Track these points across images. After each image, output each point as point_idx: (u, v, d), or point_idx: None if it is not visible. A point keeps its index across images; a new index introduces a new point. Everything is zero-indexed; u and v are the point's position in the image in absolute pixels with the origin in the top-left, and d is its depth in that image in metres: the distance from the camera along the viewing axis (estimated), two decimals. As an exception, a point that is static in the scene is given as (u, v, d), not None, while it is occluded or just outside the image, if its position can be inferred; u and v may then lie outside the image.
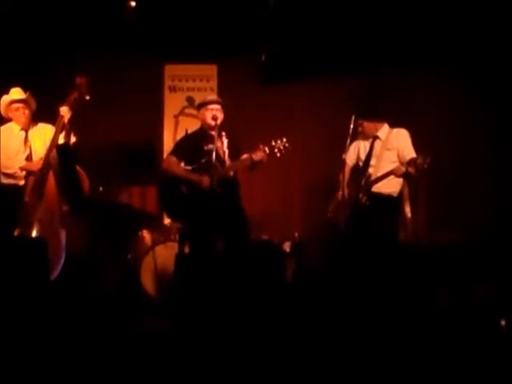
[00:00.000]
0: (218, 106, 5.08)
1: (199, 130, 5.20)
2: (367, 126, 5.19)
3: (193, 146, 5.07)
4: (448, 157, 6.29)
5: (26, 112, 5.16)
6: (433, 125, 6.34)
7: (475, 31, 6.18)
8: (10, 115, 5.18)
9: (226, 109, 5.14)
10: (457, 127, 6.36)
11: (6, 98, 5.18)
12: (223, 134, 5.10)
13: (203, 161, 4.95)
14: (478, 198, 6.27)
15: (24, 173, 5.08)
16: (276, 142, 4.90)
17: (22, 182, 5.10)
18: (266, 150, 4.88)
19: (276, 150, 4.90)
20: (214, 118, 4.99)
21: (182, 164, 5.12)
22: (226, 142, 5.08)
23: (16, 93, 5.18)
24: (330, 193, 5.47)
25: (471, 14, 6.12)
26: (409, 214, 5.32)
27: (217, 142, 4.97)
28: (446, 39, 6.32)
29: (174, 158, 5.14)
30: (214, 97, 5.38)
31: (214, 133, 4.97)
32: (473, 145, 6.35)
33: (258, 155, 4.91)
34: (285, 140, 4.92)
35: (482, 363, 3.46)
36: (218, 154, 4.94)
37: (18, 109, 5.14)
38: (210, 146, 4.89)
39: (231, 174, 5.03)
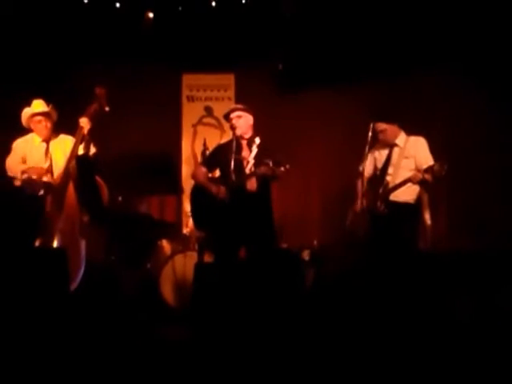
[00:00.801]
0: (236, 113, 5.02)
1: (232, 139, 5.08)
2: (390, 130, 5.15)
3: (222, 156, 5.04)
4: (468, 163, 6.26)
5: (48, 125, 5.18)
6: (453, 131, 6.31)
7: (490, 36, 6.16)
8: (32, 127, 5.21)
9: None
10: (477, 133, 6.33)
11: (29, 111, 5.19)
12: (256, 143, 4.98)
13: (225, 170, 4.96)
14: (498, 205, 6.22)
15: (25, 176, 5.10)
16: (279, 157, 4.69)
17: (17, 183, 5.11)
18: (270, 164, 4.69)
19: (278, 165, 4.68)
20: (232, 128, 5.02)
21: (216, 173, 5.20)
22: (254, 152, 4.97)
23: (38, 105, 5.20)
24: (348, 201, 5.46)
25: (486, 19, 6.11)
26: (429, 222, 5.29)
27: (244, 151, 5.00)
28: (460, 45, 6.31)
29: (202, 168, 5.24)
30: (231, 106, 5.36)
31: (243, 142, 5.01)
32: (494, 151, 6.32)
33: (261, 169, 4.78)
34: (285, 156, 4.72)
35: (503, 374, 3.43)
36: (240, 165, 4.93)
37: (40, 121, 5.16)
38: (232, 156, 4.89)
39: (250, 183, 4.99)
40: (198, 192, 5.12)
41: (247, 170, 4.95)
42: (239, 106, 5.15)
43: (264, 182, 4.95)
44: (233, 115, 5.04)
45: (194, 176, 5.29)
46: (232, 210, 4.87)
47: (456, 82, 6.41)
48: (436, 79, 6.42)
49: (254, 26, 6.67)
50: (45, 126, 5.16)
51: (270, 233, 5.00)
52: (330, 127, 6.85)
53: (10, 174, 5.17)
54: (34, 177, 5.05)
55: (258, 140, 4.99)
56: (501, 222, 6.06)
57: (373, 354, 3.77)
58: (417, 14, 6.30)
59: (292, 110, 6.88)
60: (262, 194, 4.97)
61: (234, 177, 4.87)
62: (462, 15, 6.20)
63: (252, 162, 4.95)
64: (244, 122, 5.03)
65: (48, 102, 5.24)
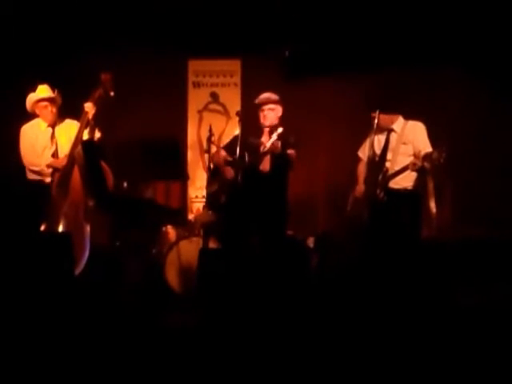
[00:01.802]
0: (269, 106, 5.14)
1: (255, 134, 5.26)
2: (383, 118, 5.13)
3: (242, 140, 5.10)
4: (474, 150, 6.24)
5: (53, 110, 5.20)
6: (458, 118, 6.28)
7: (496, 23, 6.13)
8: (37, 112, 5.22)
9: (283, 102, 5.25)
10: (483, 120, 6.31)
11: (34, 96, 5.20)
12: (278, 131, 5.04)
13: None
14: (505, 193, 6.21)
15: (50, 170, 5.13)
16: (288, 138, 4.87)
17: (48, 179, 5.16)
18: (279, 143, 4.83)
19: (287, 146, 4.86)
20: (264, 119, 5.14)
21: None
22: (273, 139, 5.02)
23: (44, 90, 5.21)
24: (353, 188, 5.47)
25: (496, 14, 6.08)
26: (434, 210, 5.27)
27: (264, 136, 5.11)
28: (466, 31, 6.27)
29: (222, 151, 5.34)
30: (265, 95, 5.32)
31: (266, 129, 5.14)
32: (500, 138, 6.30)
33: (269, 147, 4.93)
34: (295, 137, 4.92)
35: (507, 363, 3.42)
36: (256, 148, 5.00)
37: (46, 107, 5.18)
38: (251, 140, 4.94)
39: (263, 165, 4.99)
40: (215, 174, 5.22)
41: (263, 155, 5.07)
42: (273, 97, 5.21)
43: (280, 166, 4.99)
44: (266, 107, 5.15)
45: (212, 157, 5.47)
46: (245, 190, 4.91)
47: (465, 73, 6.40)
48: (441, 66, 6.41)
49: (261, 12, 6.62)
50: (50, 111, 5.18)
51: (280, 217, 5.03)
52: (336, 114, 6.82)
53: (31, 167, 5.19)
54: (60, 168, 5.09)
55: (280, 129, 5.07)
56: (507, 210, 6.05)
57: (375, 341, 3.78)
58: (421, 3, 6.26)
59: (298, 97, 6.85)
60: (276, 178, 5.02)
61: (247, 159, 4.94)
62: (473, 8, 6.16)
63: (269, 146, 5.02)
64: (275, 114, 5.19)
65: (53, 86, 5.24)
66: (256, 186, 4.95)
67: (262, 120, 5.09)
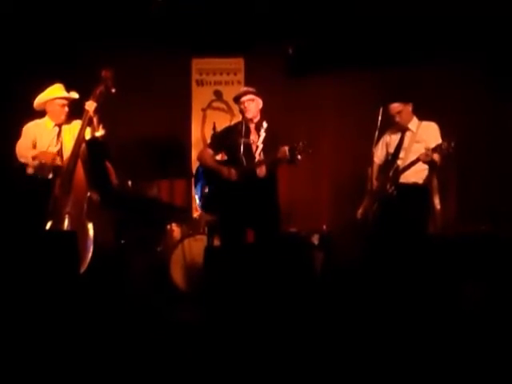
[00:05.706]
0: (248, 97, 5.05)
1: (239, 122, 5.18)
2: (405, 112, 5.15)
3: (229, 139, 5.09)
4: (479, 147, 6.24)
5: (67, 109, 5.20)
6: (463, 114, 6.27)
7: (504, 17, 6.11)
8: (49, 109, 5.20)
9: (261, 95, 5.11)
10: (488, 116, 6.31)
11: (50, 94, 5.17)
12: (264, 127, 5.03)
13: (233, 154, 4.99)
14: (508, 190, 6.20)
15: (36, 162, 5.12)
16: (298, 144, 4.74)
17: (30, 170, 5.13)
18: (287, 151, 4.76)
19: (296, 152, 4.75)
20: (244, 111, 5.04)
21: (219, 156, 5.22)
22: (262, 136, 5.01)
23: (60, 89, 5.19)
24: (358, 185, 5.47)
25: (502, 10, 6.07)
26: (438, 206, 5.27)
27: (252, 135, 5.03)
28: (473, 26, 6.25)
29: (208, 150, 5.25)
30: (243, 89, 5.33)
31: (251, 125, 5.04)
32: (504, 134, 6.29)
33: (277, 155, 4.83)
34: (306, 142, 4.76)
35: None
36: (248, 148, 4.97)
37: (63, 105, 5.16)
38: (241, 140, 4.92)
39: (260, 169, 4.96)
40: (204, 175, 5.16)
41: (257, 155, 4.99)
42: (251, 89, 5.15)
43: (272, 167, 4.98)
44: (245, 98, 5.06)
45: (200, 158, 5.32)
46: (241, 194, 4.89)
47: (469, 65, 6.40)
48: (449, 62, 6.41)
49: (264, 9, 6.61)
50: (66, 111, 5.17)
51: (275, 216, 5.02)
52: (341, 112, 6.82)
53: (20, 159, 5.18)
54: (44, 161, 5.07)
55: (265, 124, 5.04)
56: (510, 207, 6.05)
57: (381, 337, 3.78)
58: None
59: (302, 95, 6.86)
60: (270, 179, 5.00)
61: (244, 161, 4.91)
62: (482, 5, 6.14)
63: (261, 146, 5.00)
64: (255, 105, 5.07)
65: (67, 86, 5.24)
66: (253, 189, 4.93)
67: (245, 113, 5.05)
